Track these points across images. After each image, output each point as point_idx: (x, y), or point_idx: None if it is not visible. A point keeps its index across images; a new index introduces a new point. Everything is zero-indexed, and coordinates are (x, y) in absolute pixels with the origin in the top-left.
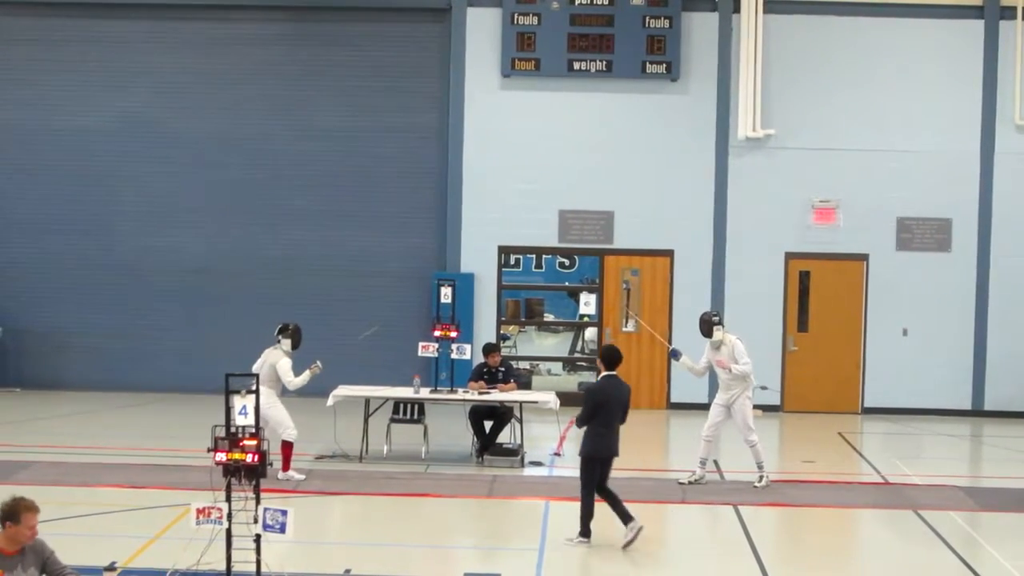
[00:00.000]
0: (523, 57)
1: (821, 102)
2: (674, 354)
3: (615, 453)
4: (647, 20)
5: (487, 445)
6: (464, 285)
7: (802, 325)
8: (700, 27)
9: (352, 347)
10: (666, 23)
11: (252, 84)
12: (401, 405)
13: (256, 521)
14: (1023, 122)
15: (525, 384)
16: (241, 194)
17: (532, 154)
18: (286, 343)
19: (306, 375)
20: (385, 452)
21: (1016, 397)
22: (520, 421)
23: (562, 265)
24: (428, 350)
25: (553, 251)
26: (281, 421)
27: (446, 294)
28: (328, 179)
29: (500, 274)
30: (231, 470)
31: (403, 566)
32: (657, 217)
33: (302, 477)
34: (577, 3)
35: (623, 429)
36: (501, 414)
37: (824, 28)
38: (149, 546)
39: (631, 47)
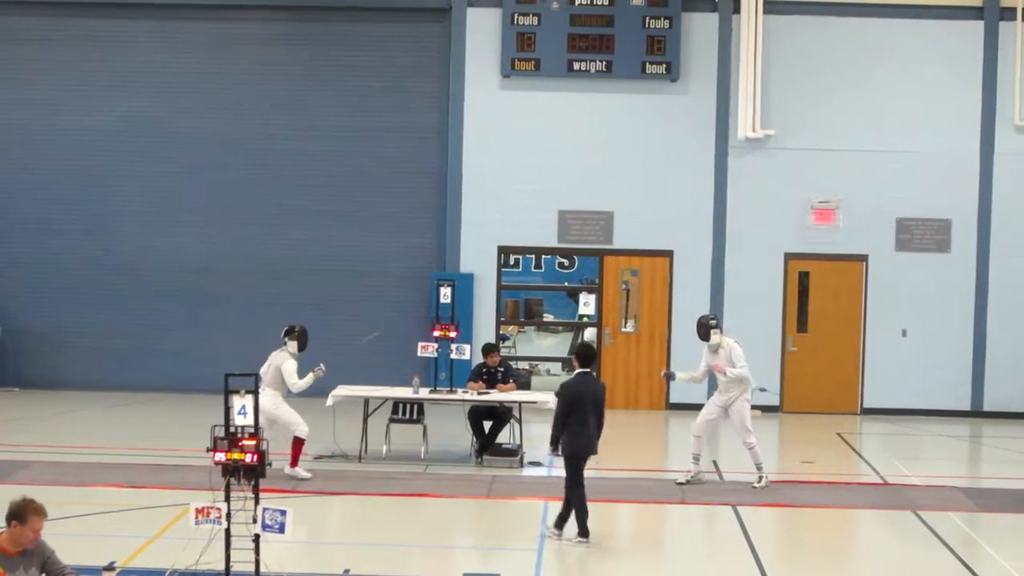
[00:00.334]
0: (523, 57)
1: (821, 102)
2: (669, 376)
3: (594, 451)
4: (647, 20)
5: (486, 445)
6: (463, 285)
7: (801, 326)
8: (700, 27)
9: (351, 347)
10: (666, 23)
11: (253, 84)
12: (400, 405)
13: (255, 521)
14: (1023, 122)
15: (524, 384)
16: (242, 194)
17: (532, 154)
18: (292, 345)
19: (310, 377)
20: (384, 452)
21: (1016, 398)
22: (519, 421)
23: (561, 265)
24: (427, 350)
25: (553, 251)
26: (292, 420)
27: (445, 294)
28: (328, 179)
29: (500, 274)
30: (230, 470)
31: (402, 566)
32: (657, 217)
33: (308, 475)
34: (577, 3)
35: (622, 429)
36: (500, 414)
37: (824, 28)
38: (148, 546)
39: (631, 47)
